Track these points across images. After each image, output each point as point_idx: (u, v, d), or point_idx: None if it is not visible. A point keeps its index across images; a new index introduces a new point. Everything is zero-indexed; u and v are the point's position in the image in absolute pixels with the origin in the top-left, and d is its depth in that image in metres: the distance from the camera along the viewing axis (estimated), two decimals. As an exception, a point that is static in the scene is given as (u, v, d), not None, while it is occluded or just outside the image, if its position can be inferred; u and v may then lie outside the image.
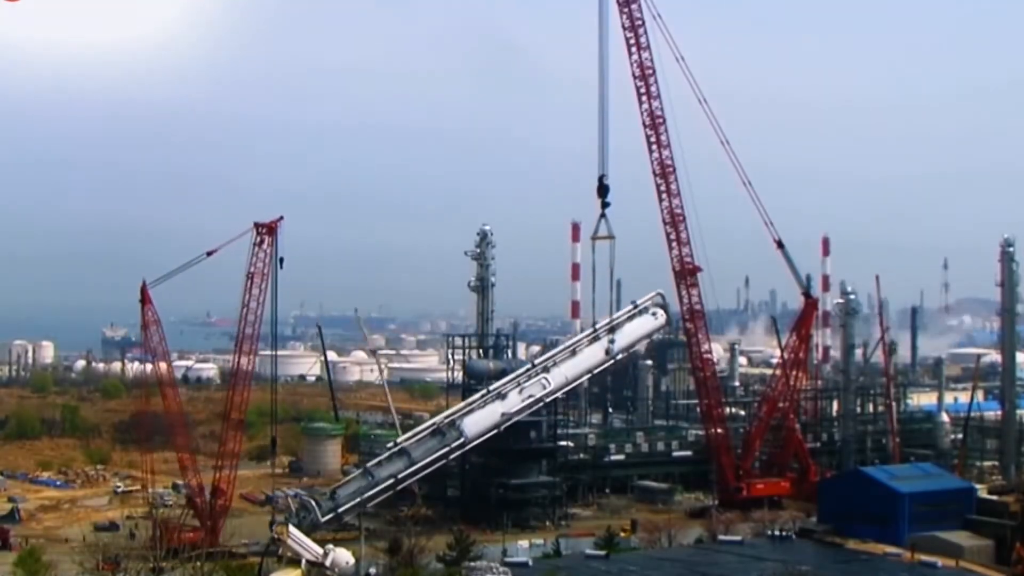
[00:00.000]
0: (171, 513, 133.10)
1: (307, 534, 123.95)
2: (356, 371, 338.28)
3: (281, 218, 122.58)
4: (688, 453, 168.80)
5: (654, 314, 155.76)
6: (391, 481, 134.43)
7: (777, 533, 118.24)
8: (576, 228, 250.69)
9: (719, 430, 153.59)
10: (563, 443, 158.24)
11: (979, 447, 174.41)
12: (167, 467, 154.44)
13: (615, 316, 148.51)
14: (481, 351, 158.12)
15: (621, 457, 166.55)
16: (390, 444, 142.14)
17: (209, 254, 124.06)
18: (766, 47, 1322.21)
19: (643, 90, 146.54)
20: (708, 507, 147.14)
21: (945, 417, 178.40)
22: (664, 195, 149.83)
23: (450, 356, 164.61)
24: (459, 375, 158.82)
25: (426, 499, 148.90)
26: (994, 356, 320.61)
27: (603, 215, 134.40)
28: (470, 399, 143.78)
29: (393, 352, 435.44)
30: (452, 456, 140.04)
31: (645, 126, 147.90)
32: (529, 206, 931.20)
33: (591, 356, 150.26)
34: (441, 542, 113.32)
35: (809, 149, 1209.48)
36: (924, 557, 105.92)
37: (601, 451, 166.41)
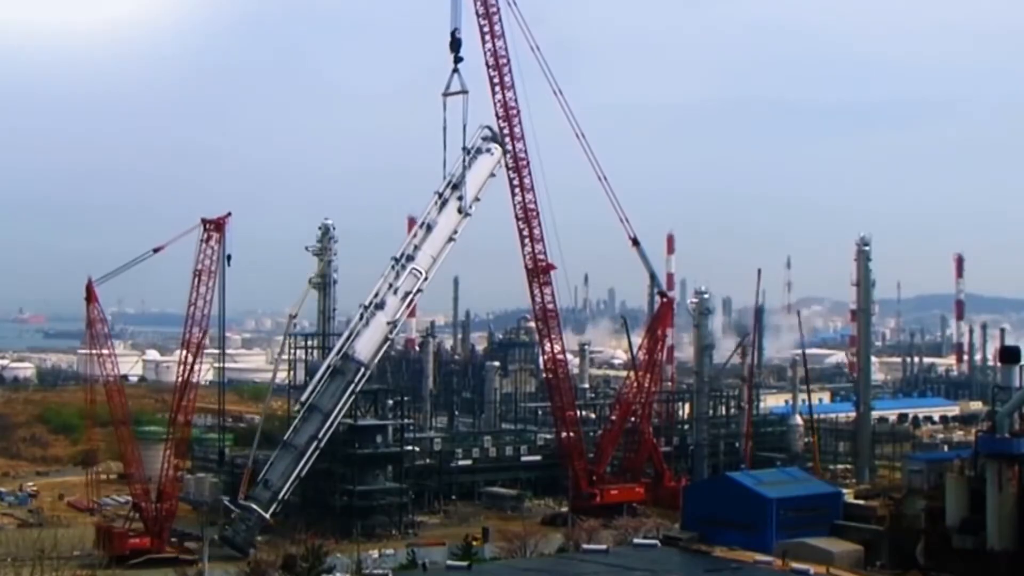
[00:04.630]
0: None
1: (256, 537, 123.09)
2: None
3: (229, 214, 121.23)
4: (538, 458, 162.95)
5: (488, 151, 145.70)
6: (315, 443, 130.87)
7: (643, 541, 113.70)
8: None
9: (572, 434, 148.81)
10: (409, 448, 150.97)
11: (832, 450, 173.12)
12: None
13: (452, 173, 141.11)
14: (323, 351, 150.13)
15: (468, 462, 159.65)
16: (296, 407, 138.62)
17: (156, 251, 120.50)
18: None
19: (497, 81, 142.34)
20: (562, 514, 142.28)
21: (798, 420, 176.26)
22: (517, 190, 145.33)
23: (291, 356, 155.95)
24: (299, 375, 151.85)
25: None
26: (839, 356, 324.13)
27: (456, 70, 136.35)
28: (351, 325, 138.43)
29: (218, 351, 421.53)
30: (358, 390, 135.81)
31: (499, 118, 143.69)
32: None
33: (447, 222, 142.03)
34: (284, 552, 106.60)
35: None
36: (795, 564, 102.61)
37: (447, 456, 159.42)
